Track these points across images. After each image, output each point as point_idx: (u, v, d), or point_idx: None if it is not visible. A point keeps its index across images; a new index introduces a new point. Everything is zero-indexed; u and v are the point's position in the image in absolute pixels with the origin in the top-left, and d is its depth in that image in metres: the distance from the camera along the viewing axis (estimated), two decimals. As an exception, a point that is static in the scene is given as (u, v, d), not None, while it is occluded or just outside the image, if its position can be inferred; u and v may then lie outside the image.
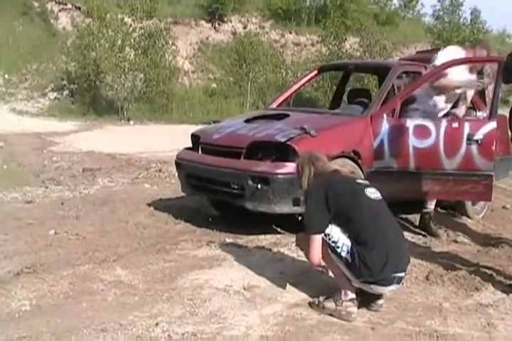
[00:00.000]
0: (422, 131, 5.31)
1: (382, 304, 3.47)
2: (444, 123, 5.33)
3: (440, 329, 3.23)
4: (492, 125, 5.29)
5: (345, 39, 24.67)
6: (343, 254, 3.31)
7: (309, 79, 6.91)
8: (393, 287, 3.38)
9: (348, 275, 3.34)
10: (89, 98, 21.06)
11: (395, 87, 6.65)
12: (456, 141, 5.23)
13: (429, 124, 5.35)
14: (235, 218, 5.49)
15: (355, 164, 5.08)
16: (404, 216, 5.95)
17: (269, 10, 30.26)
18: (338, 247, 3.32)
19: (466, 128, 5.26)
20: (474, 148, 5.23)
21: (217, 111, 19.69)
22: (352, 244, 3.31)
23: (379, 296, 3.46)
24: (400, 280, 3.39)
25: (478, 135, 5.23)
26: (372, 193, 3.47)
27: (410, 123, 5.35)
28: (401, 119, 5.41)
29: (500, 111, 5.65)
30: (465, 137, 5.23)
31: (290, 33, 29.56)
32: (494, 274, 4.27)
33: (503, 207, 7.06)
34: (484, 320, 3.42)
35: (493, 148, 5.30)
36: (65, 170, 8.58)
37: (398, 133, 5.34)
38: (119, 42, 21.35)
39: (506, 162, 7.13)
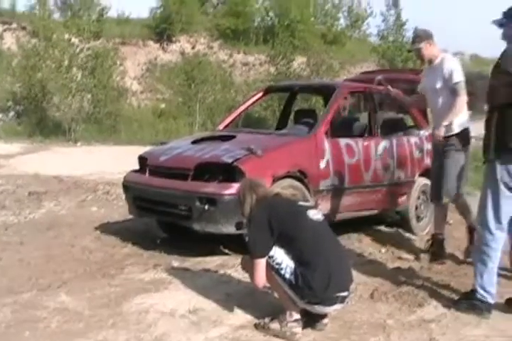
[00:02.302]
0: (350, 150, 5.74)
1: (327, 323, 3.52)
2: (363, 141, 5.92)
3: (384, 347, 3.29)
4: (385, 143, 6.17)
5: (293, 59, 24.88)
6: (287, 276, 3.34)
7: (256, 101, 6.98)
8: (337, 306, 3.43)
9: (292, 297, 3.37)
10: (36, 119, 20.66)
11: (341, 108, 6.79)
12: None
13: (353, 143, 5.81)
14: (183, 240, 5.48)
15: (301, 184, 5.16)
16: (347, 234, 6.03)
17: (217, 30, 30.38)
18: (281, 269, 3.36)
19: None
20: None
21: (166, 132, 19.54)
22: (295, 266, 3.35)
23: (324, 316, 3.51)
24: (343, 300, 3.43)
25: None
26: (314, 215, 3.53)
27: (342, 143, 5.69)
28: (336, 139, 5.64)
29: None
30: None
31: (238, 52, 29.70)
32: (436, 290, 4.39)
33: (446, 223, 7.20)
34: (427, 336, 3.51)
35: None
36: (10, 194, 8.39)
37: (336, 152, 5.56)
38: (66, 62, 21.04)
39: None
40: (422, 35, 5.30)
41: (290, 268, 3.35)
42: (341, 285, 3.41)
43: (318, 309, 3.40)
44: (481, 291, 3.91)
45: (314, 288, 3.29)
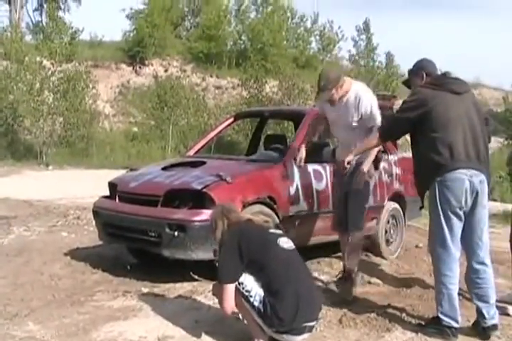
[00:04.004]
0: (318, 175, 5.77)
1: (297, 345, 3.52)
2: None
3: (351, 373, 3.32)
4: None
5: (265, 82, 25.14)
6: (256, 304, 3.37)
7: (226, 126, 7.04)
8: (305, 335, 3.46)
9: (261, 324, 3.40)
10: (7, 142, 20.56)
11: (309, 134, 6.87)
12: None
13: (321, 168, 5.83)
14: (153, 266, 5.48)
15: (270, 210, 5.20)
16: (317, 259, 6.07)
17: (190, 53, 30.63)
18: (251, 296, 3.39)
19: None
20: None
21: (138, 155, 19.58)
22: (264, 294, 3.38)
23: (292, 344, 3.52)
24: (311, 329, 3.47)
25: None
26: (285, 243, 3.57)
27: (310, 168, 5.72)
28: (305, 165, 5.64)
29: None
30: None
31: (211, 76, 29.94)
32: (404, 314, 4.43)
33: (416, 246, 7.30)
34: (394, 361, 3.54)
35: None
36: (-21, 219, 8.32)
37: (305, 178, 5.62)
38: (38, 85, 21.03)
39: (417, 202, 7.43)
40: (332, 81, 4.82)
41: (259, 296, 3.38)
42: (309, 315, 3.44)
43: (286, 338, 3.42)
44: (445, 318, 3.98)
45: (282, 317, 3.32)
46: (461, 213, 3.96)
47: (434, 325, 4.04)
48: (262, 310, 3.36)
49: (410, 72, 4.46)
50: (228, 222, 3.64)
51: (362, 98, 4.90)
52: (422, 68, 4.33)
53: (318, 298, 3.65)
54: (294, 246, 3.64)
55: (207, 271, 4.99)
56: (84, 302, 4.36)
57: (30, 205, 9.57)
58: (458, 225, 3.99)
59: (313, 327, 3.48)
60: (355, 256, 5.10)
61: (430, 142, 3.98)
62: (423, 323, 4.20)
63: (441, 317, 3.99)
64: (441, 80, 4.17)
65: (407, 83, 4.52)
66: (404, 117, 4.13)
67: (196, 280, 5.09)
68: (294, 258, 3.58)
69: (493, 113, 29.86)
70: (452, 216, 3.95)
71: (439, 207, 3.96)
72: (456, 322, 3.98)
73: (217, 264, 3.61)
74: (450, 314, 3.97)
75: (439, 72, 4.37)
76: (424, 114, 4.00)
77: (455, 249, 4.00)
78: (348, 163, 4.71)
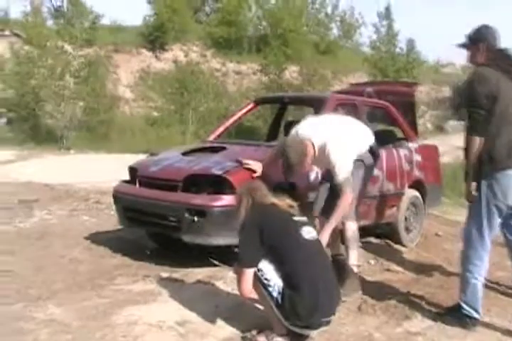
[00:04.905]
0: None
1: (313, 337, 3.51)
2: None
3: (370, 360, 3.32)
4: None
5: (285, 68, 25.02)
6: (274, 294, 3.33)
7: (246, 112, 7.01)
8: (322, 328, 3.44)
9: (278, 315, 3.36)
10: (28, 126, 20.70)
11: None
12: None
13: None
14: (172, 251, 5.51)
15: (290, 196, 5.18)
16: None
17: (210, 38, 30.52)
18: (269, 286, 3.34)
19: None
20: None
21: (158, 140, 19.56)
22: (283, 286, 3.32)
23: (310, 331, 3.51)
24: (328, 323, 3.44)
25: None
26: (309, 233, 3.48)
27: None
28: None
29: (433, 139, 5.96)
30: None
31: (231, 61, 29.81)
32: (424, 302, 4.42)
33: (436, 234, 7.27)
34: (412, 349, 3.53)
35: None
36: (1, 202, 8.40)
37: None
38: (59, 70, 21.10)
39: (437, 190, 7.39)
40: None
41: (278, 286, 3.32)
42: (328, 311, 3.39)
43: (302, 332, 3.40)
44: (466, 307, 3.95)
45: (300, 313, 3.27)
46: (503, 209, 3.90)
47: (453, 313, 4.02)
48: (280, 302, 3.31)
49: (468, 40, 4.03)
50: (253, 201, 3.55)
51: (331, 153, 4.39)
52: (481, 40, 3.96)
53: (338, 292, 3.56)
54: (316, 237, 3.57)
55: (226, 256, 5.02)
56: (104, 286, 4.39)
57: (51, 189, 9.65)
58: (497, 219, 3.94)
59: (330, 321, 3.45)
60: (353, 249, 4.71)
61: (494, 134, 3.83)
62: (442, 311, 4.18)
63: (463, 305, 3.96)
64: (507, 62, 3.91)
65: (464, 46, 4.08)
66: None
67: (215, 265, 5.11)
68: (316, 249, 3.50)
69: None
70: (494, 209, 3.88)
71: (484, 198, 3.88)
72: (478, 312, 3.95)
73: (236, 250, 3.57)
74: (472, 304, 3.94)
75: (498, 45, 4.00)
76: (492, 103, 3.80)
77: (489, 241, 3.95)
78: None
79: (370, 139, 4.88)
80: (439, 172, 7.56)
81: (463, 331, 3.87)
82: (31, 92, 20.81)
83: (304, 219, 3.61)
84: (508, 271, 5.37)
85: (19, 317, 3.64)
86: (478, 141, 3.82)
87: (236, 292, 3.86)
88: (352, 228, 4.72)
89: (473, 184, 3.93)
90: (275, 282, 3.34)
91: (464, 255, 4.03)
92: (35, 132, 20.66)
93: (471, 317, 3.94)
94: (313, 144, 4.36)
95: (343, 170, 4.38)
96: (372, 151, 4.87)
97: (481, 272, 3.96)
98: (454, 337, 3.78)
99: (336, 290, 3.53)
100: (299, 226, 3.48)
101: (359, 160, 4.65)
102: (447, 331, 3.87)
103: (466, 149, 3.89)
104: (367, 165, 4.81)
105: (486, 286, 4.64)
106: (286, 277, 3.34)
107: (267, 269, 3.37)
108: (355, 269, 4.70)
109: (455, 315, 3.99)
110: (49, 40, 22.08)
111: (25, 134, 20.31)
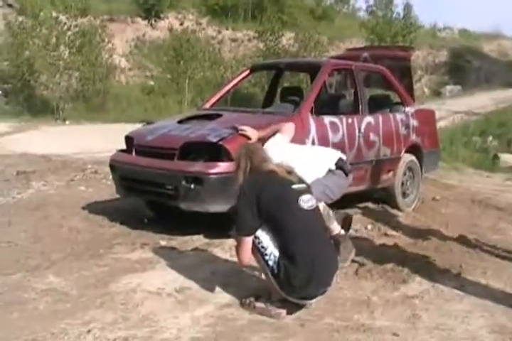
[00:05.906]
0: (334, 127, 5.70)
1: (312, 303, 3.53)
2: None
3: (367, 323, 3.35)
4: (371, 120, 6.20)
5: (282, 34, 24.77)
6: (270, 263, 3.32)
7: (241, 79, 6.96)
8: (318, 298, 3.45)
9: (274, 284, 3.37)
10: (24, 98, 20.55)
11: (327, 85, 6.81)
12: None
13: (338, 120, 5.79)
14: (170, 219, 5.52)
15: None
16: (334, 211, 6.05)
17: (205, 6, 30.15)
18: (266, 254, 3.33)
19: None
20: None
21: (155, 109, 19.47)
22: (279, 255, 3.31)
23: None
24: (324, 292, 3.44)
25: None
26: (306, 202, 3.41)
27: (327, 120, 5.67)
28: (321, 117, 5.60)
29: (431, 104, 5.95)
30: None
31: (227, 29, 29.50)
32: (421, 266, 4.43)
33: (433, 199, 7.30)
34: (409, 312, 3.56)
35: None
36: (-2, 174, 8.41)
37: (321, 130, 5.57)
38: (54, 40, 20.84)
39: (434, 154, 7.41)
40: None
41: (274, 256, 3.31)
42: (323, 282, 3.39)
43: (298, 301, 3.40)
44: None
45: (295, 284, 3.27)
46: None
47: None
48: (276, 272, 3.30)
49: None
50: (251, 165, 3.47)
51: None
52: None
53: (334, 262, 3.51)
54: (315, 205, 3.48)
55: (224, 223, 5.03)
56: (102, 255, 4.42)
57: (48, 160, 9.62)
58: None
59: (326, 291, 3.45)
60: (331, 223, 4.34)
61: None
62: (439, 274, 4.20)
63: None
64: None
65: None
66: None
67: (213, 232, 5.12)
68: (313, 219, 3.44)
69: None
70: None
71: None
72: None
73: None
74: None
75: None
76: None
77: None
78: None
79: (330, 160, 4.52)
80: (436, 136, 7.54)
81: (460, 294, 3.89)
82: (26, 63, 20.60)
83: (303, 186, 3.51)
84: (503, 234, 5.40)
85: (18, 287, 3.67)
86: None
87: (234, 259, 3.89)
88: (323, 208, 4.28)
89: None
90: (271, 251, 3.33)
91: None
92: (31, 104, 20.51)
93: None
94: None
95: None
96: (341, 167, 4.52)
97: None
98: (451, 299, 3.80)
99: (332, 260, 3.49)
100: (297, 195, 3.40)
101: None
102: (444, 294, 3.89)
103: None
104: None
105: (482, 249, 4.68)
106: (282, 247, 3.32)
107: (264, 238, 3.35)
108: (343, 232, 4.50)
109: None
110: (43, 10, 21.77)
111: (20, 106, 20.18)
